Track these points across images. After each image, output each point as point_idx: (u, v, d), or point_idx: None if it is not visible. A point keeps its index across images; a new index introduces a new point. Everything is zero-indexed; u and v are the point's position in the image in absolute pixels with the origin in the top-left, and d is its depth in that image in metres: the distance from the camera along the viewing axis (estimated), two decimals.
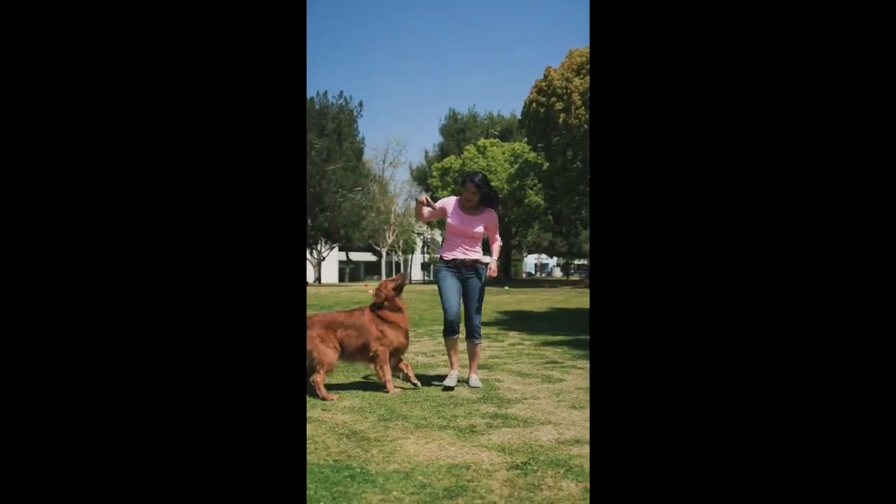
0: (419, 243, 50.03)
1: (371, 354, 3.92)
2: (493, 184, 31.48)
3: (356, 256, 48.99)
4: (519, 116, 30.51)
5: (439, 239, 43.32)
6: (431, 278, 49.59)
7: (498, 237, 4.23)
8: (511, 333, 7.72)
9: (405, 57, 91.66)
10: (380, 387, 4.01)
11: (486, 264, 4.05)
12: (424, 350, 6.04)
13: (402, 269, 52.72)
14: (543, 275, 53.56)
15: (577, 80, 24.12)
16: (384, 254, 45.74)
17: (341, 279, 45.94)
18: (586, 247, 42.16)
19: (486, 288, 4.15)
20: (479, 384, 4.05)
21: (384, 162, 47.16)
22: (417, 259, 53.52)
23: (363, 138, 34.97)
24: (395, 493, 2.10)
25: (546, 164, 27.96)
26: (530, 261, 57.88)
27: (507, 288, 21.80)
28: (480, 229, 4.06)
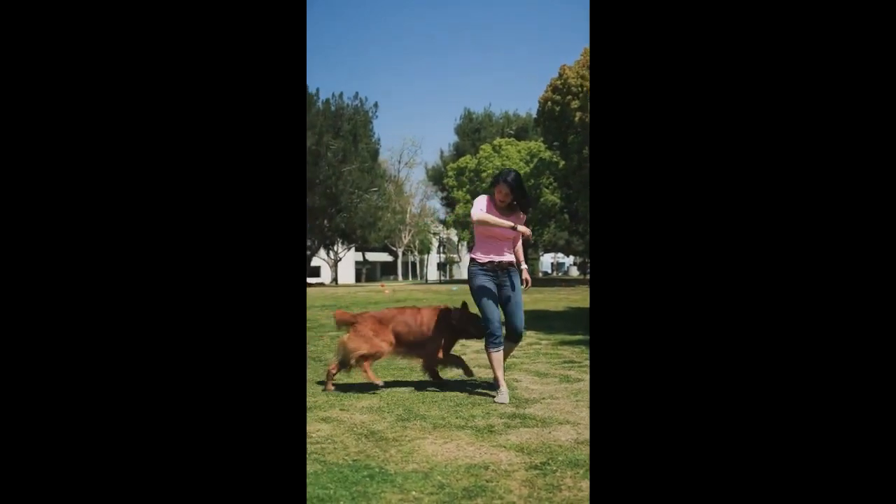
0: (435, 243, 50.10)
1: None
2: None
3: (372, 257, 49.18)
4: (534, 115, 30.42)
5: (455, 239, 43.34)
6: (447, 279, 49.64)
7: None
8: (528, 333, 7.68)
9: (418, 57, 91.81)
10: (398, 386, 4.02)
11: (517, 267, 3.88)
12: None
13: (418, 269, 52.80)
14: (560, 274, 53.35)
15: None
16: (400, 254, 45.86)
17: (358, 279, 46.12)
18: None
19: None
20: (506, 399, 3.59)
21: (399, 162, 47.31)
22: (434, 259, 53.57)
23: (378, 139, 35.06)
24: (413, 492, 2.10)
25: (562, 163, 27.83)
26: (546, 260, 57.66)
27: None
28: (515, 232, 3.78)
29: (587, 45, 26.16)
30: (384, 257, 50.96)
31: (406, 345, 4.08)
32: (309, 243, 32.35)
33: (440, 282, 39.22)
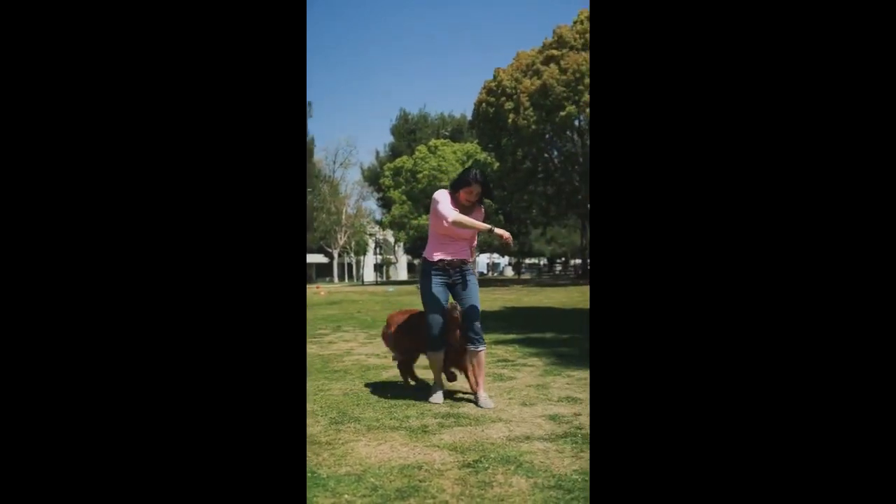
0: (371, 244, 49.73)
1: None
2: (442, 184, 31.50)
3: (307, 258, 48.33)
4: (469, 117, 30.70)
5: (391, 240, 43.17)
6: (384, 280, 49.36)
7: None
8: None
9: (353, 57, 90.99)
10: (331, 389, 3.98)
11: (472, 263, 3.75)
12: (377, 352, 6.02)
13: (354, 271, 52.26)
14: (495, 274, 54.06)
15: (526, 82, 24.43)
16: (336, 255, 45.30)
17: None
18: (537, 246, 42.76)
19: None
20: (491, 403, 3.48)
21: (335, 162, 46.78)
22: (370, 260, 53.17)
23: (313, 139, 34.49)
24: (346, 496, 2.09)
25: (496, 164, 28.22)
26: (482, 260, 58.29)
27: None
28: (473, 231, 3.66)
29: (520, 49, 26.64)
30: (319, 259, 50.18)
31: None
32: None
33: (377, 283, 38.95)
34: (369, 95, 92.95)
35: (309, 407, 3.51)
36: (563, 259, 48.81)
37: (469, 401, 3.62)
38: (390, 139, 45.30)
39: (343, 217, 43.60)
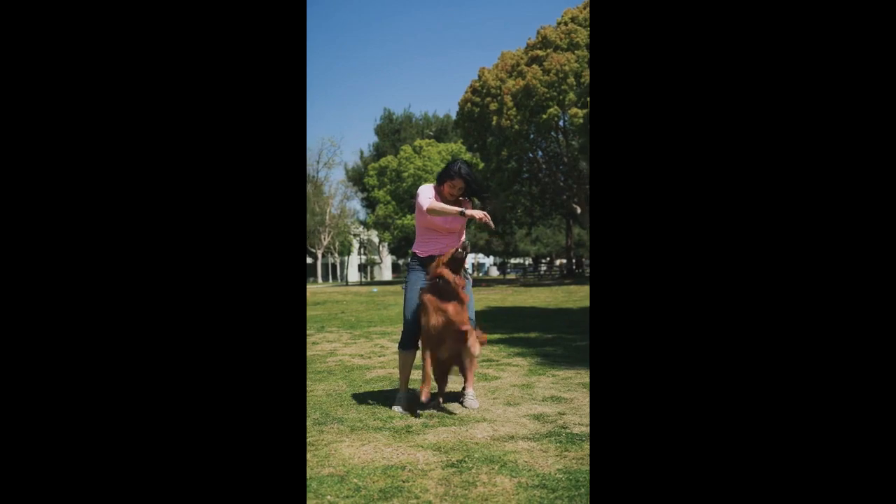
0: (356, 245, 49.59)
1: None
2: (427, 181, 31.39)
3: None
4: (454, 117, 30.72)
5: (376, 240, 43.08)
6: (368, 280, 49.25)
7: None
8: None
9: (337, 57, 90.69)
10: (315, 390, 3.95)
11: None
12: (361, 352, 5.99)
13: (338, 271, 52.07)
14: (481, 274, 54.16)
15: (510, 82, 24.48)
16: (320, 256, 45.08)
17: None
18: (522, 246, 42.90)
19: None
20: (476, 403, 3.44)
21: (318, 162, 46.55)
22: (354, 260, 53.00)
23: None
24: (329, 497, 2.07)
25: (481, 165, 28.26)
26: (467, 260, 58.32)
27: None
28: (461, 224, 3.59)
29: (505, 49, 26.70)
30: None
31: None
32: None
33: (361, 283, 38.85)
34: (353, 95, 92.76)
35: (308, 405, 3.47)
36: (548, 259, 49.01)
37: (453, 400, 3.61)
38: (374, 139, 45.24)
39: (327, 217, 43.42)
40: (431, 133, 41.79)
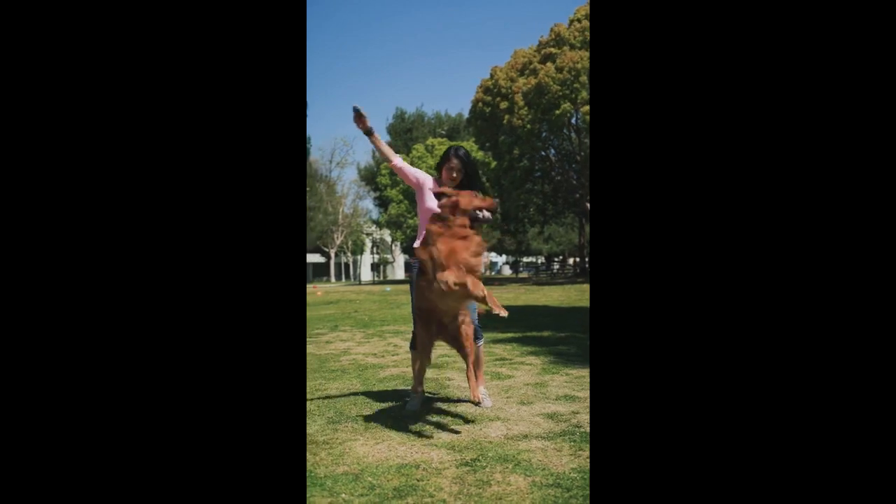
0: (368, 244, 49.72)
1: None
2: None
3: None
4: (466, 115, 30.68)
5: (388, 239, 43.16)
6: (381, 279, 49.33)
7: None
8: None
9: (350, 56, 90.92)
10: (329, 389, 3.96)
11: None
12: (374, 351, 6.01)
13: (351, 270, 52.22)
14: (493, 273, 54.08)
15: (520, 80, 24.42)
16: (333, 255, 45.27)
17: None
18: (534, 244, 42.79)
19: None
20: (489, 402, 3.41)
21: (331, 162, 46.73)
22: (367, 260, 53.13)
23: (309, 138, 34.47)
24: (343, 495, 2.08)
25: (493, 163, 28.21)
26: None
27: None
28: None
29: (517, 47, 26.63)
30: (317, 258, 50.15)
31: None
32: None
33: (374, 282, 38.93)
34: (366, 94, 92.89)
35: (308, 406, 3.49)
36: (561, 257, 48.82)
37: (467, 399, 3.60)
38: (387, 138, 45.27)
39: (340, 216, 43.58)
40: (443, 132, 41.79)
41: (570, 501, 1.98)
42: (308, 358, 5.59)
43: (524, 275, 42.57)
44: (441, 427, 2.98)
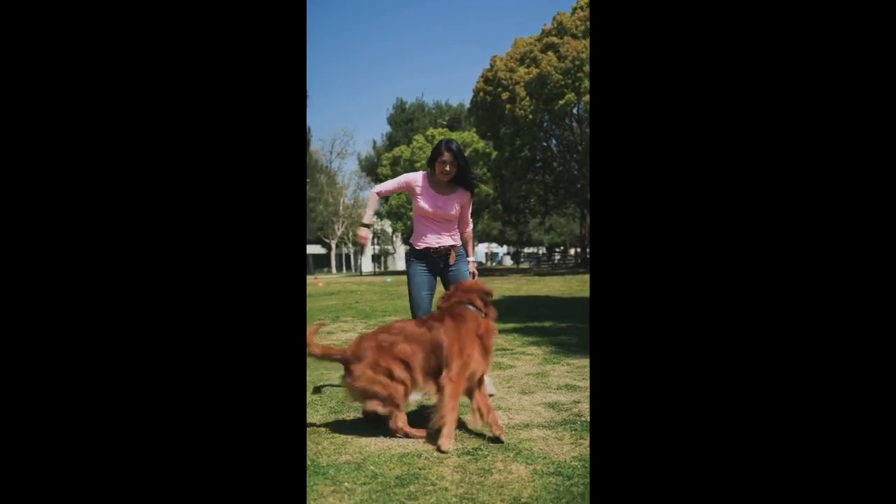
0: (369, 235, 49.66)
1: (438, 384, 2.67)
2: None
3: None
4: (467, 105, 30.57)
5: (389, 230, 43.14)
6: (382, 270, 49.38)
7: (470, 221, 3.58)
8: None
9: (350, 46, 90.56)
10: (331, 379, 3.98)
11: (463, 252, 3.51)
12: None
13: (352, 261, 52.26)
14: (494, 264, 54.09)
15: (521, 70, 24.30)
16: (333, 246, 45.29)
17: None
18: (536, 235, 42.78)
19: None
20: (493, 390, 3.38)
21: (332, 153, 46.66)
22: (368, 251, 53.13)
23: (309, 129, 34.40)
24: (346, 484, 2.09)
25: (494, 154, 28.14)
26: (481, 250, 58.29)
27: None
28: (455, 211, 3.40)
29: (518, 36, 26.49)
30: (317, 250, 50.19)
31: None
32: None
33: (374, 273, 38.97)
34: (366, 85, 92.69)
35: (308, 397, 3.51)
36: (562, 248, 48.80)
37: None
38: (387, 129, 45.17)
39: (340, 207, 43.56)
40: (444, 122, 41.66)
41: (571, 489, 2.00)
42: None
43: (525, 265, 42.56)
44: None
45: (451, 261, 3.42)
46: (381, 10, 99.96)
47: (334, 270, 47.10)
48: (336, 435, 2.70)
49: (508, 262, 53.82)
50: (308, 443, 2.58)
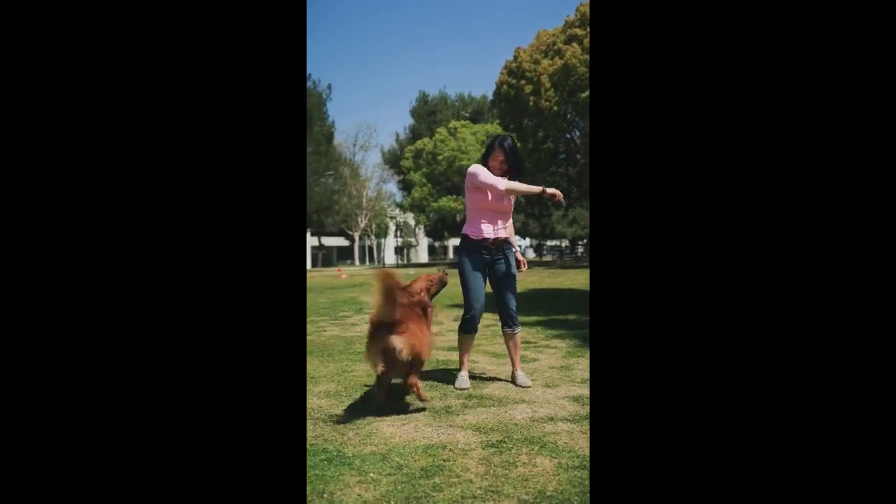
0: (392, 227, 49.88)
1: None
2: (462, 164, 30.86)
3: (329, 241, 48.63)
4: (490, 98, 30.42)
5: (412, 222, 43.25)
6: (405, 262, 49.52)
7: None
8: (485, 315, 7.76)
9: (373, 39, 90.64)
10: (355, 371, 4.01)
11: (512, 245, 3.61)
12: None
13: (375, 253, 52.52)
14: None
15: (545, 62, 24.10)
16: (357, 238, 45.54)
17: (314, 264, 45.57)
18: (559, 228, 42.53)
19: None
20: (529, 382, 3.52)
21: (355, 145, 46.89)
22: (391, 243, 53.35)
23: (333, 122, 34.57)
24: (371, 474, 2.11)
25: (517, 145, 27.96)
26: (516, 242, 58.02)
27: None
28: (509, 202, 3.54)
29: (542, 28, 26.26)
30: (341, 242, 50.48)
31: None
32: None
33: (397, 265, 39.10)
34: (389, 78, 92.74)
35: (333, 388, 3.54)
36: (586, 241, 48.46)
37: (492, 381, 3.62)
38: (410, 121, 45.20)
39: (364, 200, 43.74)
40: (467, 114, 41.55)
41: None
42: (334, 340, 5.66)
43: (548, 258, 42.34)
44: (466, 409, 3.00)
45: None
46: (405, 3, 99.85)
47: (357, 262, 47.37)
48: (361, 426, 2.72)
49: (531, 254, 53.62)
50: (334, 434, 2.61)
